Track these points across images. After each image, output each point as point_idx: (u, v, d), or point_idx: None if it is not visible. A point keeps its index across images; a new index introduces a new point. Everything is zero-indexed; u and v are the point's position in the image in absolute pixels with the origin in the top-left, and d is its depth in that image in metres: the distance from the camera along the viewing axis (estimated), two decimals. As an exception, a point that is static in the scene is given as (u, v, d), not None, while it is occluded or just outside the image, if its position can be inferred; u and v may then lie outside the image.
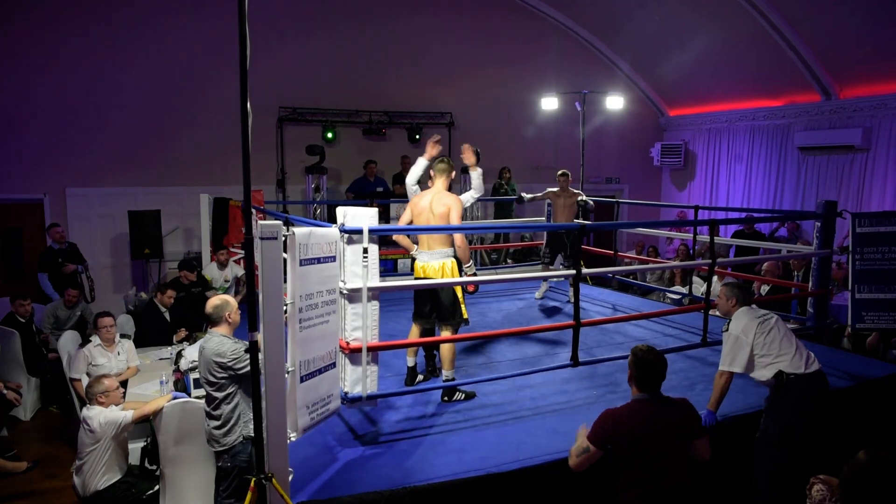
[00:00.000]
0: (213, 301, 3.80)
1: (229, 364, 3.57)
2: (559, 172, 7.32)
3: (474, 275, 4.54)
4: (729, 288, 4.06)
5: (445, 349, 4.47)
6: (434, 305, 4.53)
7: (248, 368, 3.42)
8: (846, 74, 9.17)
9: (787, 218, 9.22)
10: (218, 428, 3.65)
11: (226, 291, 7.53)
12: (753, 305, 4.00)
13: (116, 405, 4.30)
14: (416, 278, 4.61)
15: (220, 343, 3.63)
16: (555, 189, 7.30)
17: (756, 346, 3.77)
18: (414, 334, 4.71)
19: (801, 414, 3.72)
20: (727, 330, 3.90)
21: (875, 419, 4.74)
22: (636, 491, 2.86)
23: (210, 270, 7.67)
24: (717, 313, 6.74)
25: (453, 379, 4.49)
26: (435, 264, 4.47)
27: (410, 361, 4.76)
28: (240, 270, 7.81)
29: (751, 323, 3.81)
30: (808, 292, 5.97)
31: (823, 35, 8.77)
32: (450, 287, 4.44)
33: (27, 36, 8.27)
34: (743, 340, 3.78)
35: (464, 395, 4.53)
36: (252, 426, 3.30)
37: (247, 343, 3.49)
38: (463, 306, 4.53)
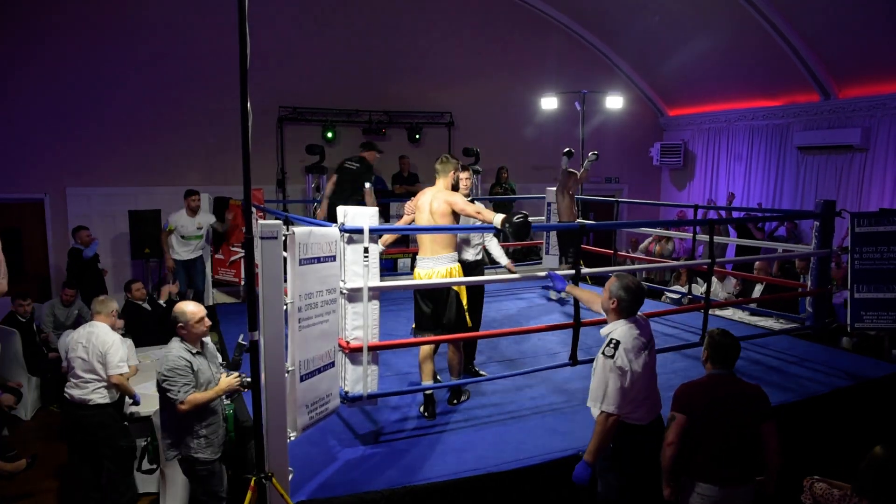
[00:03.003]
0: (177, 306, 3.68)
1: (159, 380, 3.50)
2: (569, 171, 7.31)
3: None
4: (618, 282, 3.19)
5: (454, 358, 4.34)
6: (441, 314, 4.29)
7: (169, 394, 3.44)
8: (845, 74, 9.18)
9: (786, 217, 9.23)
10: (163, 439, 3.67)
11: (197, 239, 7.37)
12: (640, 317, 3.23)
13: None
14: None
15: (167, 353, 3.56)
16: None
17: (638, 383, 3.06)
18: (422, 347, 4.36)
19: (642, 470, 3.17)
20: (611, 355, 3.02)
21: (875, 419, 4.75)
22: (702, 455, 3.07)
23: (178, 219, 7.34)
24: (718, 312, 6.85)
25: (459, 387, 4.46)
26: (441, 269, 4.25)
27: (427, 381, 4.30)
28: (212, 218, 7.59)
29: (639, 355, 3.07)
30: (808, 292, 5.98)
31: (823, 35, 8.77)
32: (455, 295, 4.26)
33: (27, 36, 8.26)
34: (628, 375, 3.01)
35: (467, 395, 4.54)
36: (200, 454, 3.52)
37: (177, 370, 3.44)
38: (467, 314, 4.33)
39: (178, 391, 3.41)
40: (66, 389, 4.45)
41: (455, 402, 4.44)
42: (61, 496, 4.85)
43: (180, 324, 3.60)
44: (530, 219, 3.81)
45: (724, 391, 3.11)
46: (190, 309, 3.65)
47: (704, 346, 3.24)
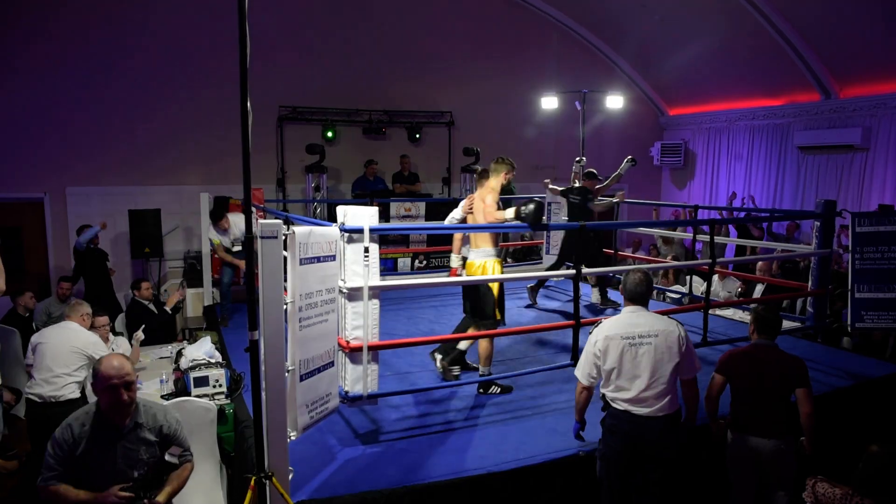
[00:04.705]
0: (101, 359, 2.84)
1: None
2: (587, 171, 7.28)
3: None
4: (624, 275, 3.47)
5: (481, 346, 4.56)
6: (471, 302, 4.67)
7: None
8: (846, 74, 9.17)
9: (786, 217, 9.24)
10: None
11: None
12: (643, 311, 3.32)
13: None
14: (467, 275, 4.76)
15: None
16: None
17: (607, 366, 3.23)
18: (468, 329, 4.80)
19: (615, 452, 3.26)
20: (591, 332, 3.36)
21: (875, 419, 4.74)
22: (737, 409, 3.55)
23: (214, 235, 6.80)
24: (719, 312, 6.84)
25: (489, 375, 4.61)
26: (476, 262, 4.59)
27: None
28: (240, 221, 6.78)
29: (613, 341, 3.21)
30: (809, 292, 5.97)
31: (823, 34, 8.77)
32: (487, 288, 4.52)
33: (27, 36, 8.26)
34: (590, 352, 3.28)
35: (500, 389, 4.62)
36: None
37: (53, 443, 2.67)
38: (496, 306, 4.56)
39: (40, 474, 2.60)
40: (30, 389, 4.42)
41: (482, 391, 4.62)
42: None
43: (93, 385, 2.70)
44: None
45: (763, 359, 3.52)
46: (111, 366, 2.68)
47: (750, 320, 3.71)
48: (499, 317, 4.60)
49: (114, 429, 2.67)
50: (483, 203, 4.55)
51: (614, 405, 3.25)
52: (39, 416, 4.40)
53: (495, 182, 4.67)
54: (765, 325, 3.60)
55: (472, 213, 4.73)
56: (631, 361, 3.19)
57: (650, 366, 3.17)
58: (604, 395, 3.31)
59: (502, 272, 4.71)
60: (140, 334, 5.45)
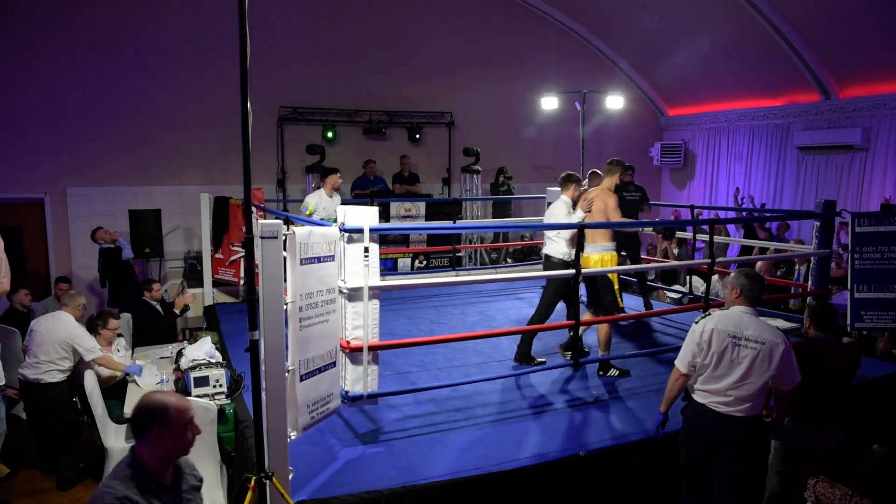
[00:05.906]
0: (151, 398, 2.25)
1: None
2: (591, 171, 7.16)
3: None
4: (735, 276, 3.38)
5: (601, 332, 4.96)
6: (596, 294, 5.03)
7: None
8: (845, 74, 9.18)
9: (786, 217, 9.24)
10: None
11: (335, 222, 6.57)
12: (753, 313, 3.30)
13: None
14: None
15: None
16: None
17: (704, 357, 3.28)
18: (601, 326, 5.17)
19: (693, 441, 3.40)
20: (698, 321, 3.36)
21: (875, 418, 4.75)
22: (797, 404, 3.59)
23: (320, 200, 6.36)
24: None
25: (607, 361, 4.98)
26: (595, 256, 4.95)
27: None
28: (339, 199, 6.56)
29: (720, 334, 3.24)
30: (808, 292, 5.98)
31: (823, 35, 8.78)
32: (608, 281, 4.91)
33: (27, 35, 8.27)
34: (694, 341, 3.31)
35: (618, 372, 4.95)
36: None
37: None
38: (619, 298, 4.94)
39: None
40: (20, 370, 4.78)
41: (601, 373, 4.96)
42: (60, 496, 4.85)
43: (156, 429, 2.12)
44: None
45: (824, 352, 3.59)
46: (176, 396, 2.27)
47: (805, 315, 3.81)
48: (621, 304, 4.90)
49: (170, 483, 2.21)
50: (606, 203, 5.04)
51: (695, 396, 3.35)
52: (27, 394, 4.83)
53: (610, 182, 5.21)
54: (821, 319, 3.72)
55: (590, 212, 4.97)
56: (728, 359, 3.23)
57: (745, 369, 3.20)
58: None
59: (618, 264, 5.16)
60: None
